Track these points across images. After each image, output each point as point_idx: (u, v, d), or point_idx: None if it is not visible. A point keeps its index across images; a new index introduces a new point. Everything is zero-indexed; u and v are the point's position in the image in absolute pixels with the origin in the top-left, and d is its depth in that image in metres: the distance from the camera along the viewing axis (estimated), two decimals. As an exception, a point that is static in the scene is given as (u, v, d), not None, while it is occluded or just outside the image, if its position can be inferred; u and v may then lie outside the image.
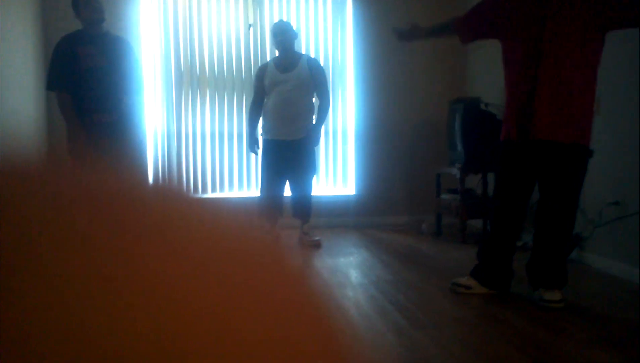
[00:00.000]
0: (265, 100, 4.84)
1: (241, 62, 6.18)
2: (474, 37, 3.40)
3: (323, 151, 6.25)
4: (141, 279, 0.21)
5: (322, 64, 6.31)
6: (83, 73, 3.81)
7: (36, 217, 0.22)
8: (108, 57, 3.89)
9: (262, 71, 4.87)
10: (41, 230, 0.21)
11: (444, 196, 5.48)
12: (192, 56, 6.13)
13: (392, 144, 6.30)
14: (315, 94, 4.87)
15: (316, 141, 4.84)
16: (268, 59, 5.50)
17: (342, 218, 6.19)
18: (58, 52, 3.87)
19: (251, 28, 6.15)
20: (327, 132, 6.26)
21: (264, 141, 4.84)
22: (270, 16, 6.17)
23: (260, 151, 4.91)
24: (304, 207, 4.88)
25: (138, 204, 0.26)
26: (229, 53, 6.16)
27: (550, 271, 3.15)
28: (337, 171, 6.34)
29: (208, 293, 0.22)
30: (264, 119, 4.85)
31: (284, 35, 4.73)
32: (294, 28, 4.84)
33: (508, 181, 3.26)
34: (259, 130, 4.94)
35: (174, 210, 0.27)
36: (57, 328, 0.18)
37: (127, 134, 3.97)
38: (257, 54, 6.16)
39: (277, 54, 4.91)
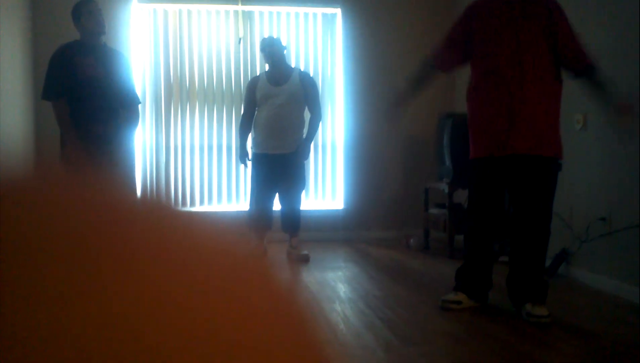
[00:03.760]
0: (256, 113, 4.83)
1: (231, 76, 6.19)
2: (450, 64, 3.43)
3: (312, 165, 6.25)
4: (130, 290, 0.20)
5: (313, 79, 6.34)
6: (81, 83, 3.77)
7: (27, 226, 0.22)
8: (106, 68, 3.87)
9: (253, 83, 4.85)
10: (33, 239, 0.21)
11: (432, 210, 5.49)
12: (182, 68, 6.13)
13: (380, 159, 6.32)
14: (306, 108, 4.87)
15: (306, 155, 4.84)
16: (258, 73, 5.51)
17: (330, 232, 6.19)
18: (55, 61, 3.81)
19: (241, 42, 6.16)
20: (316, 146, 6.27)
21: (254, 155, 4.82)
22: (261, 30, 6.19)
23: (250, 164, 4.90)
24: (293, 221, 4.87)
25: (127, 216, 0.25)
26: (218, 66, 6.17)
27: (533, 285, 3.18)
28: (326, 185, 6.34)
29: (193, 306, 0.21)
30: (254, 132, 4.83)
31: (271, 48, 4.73)
32: (283, 42, 4.84)
33: (482, 199, 3.32)
34: (249, 143, 4.93)
35: (161, 223, 0.26)
36: (49, 339, 0.18)
37: (121, 147, 3.95)
38: (247, 68, 6.18)
39: (266, 68, 4.92)
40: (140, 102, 4.14)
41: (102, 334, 0.19)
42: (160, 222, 0.26)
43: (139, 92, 5.94)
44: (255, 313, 0.23)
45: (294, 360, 0.23)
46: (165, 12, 6.09)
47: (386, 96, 3.53)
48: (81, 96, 3.76)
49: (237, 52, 6.19)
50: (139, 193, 0.28)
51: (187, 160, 6.13)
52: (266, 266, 0.28)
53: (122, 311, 0.20)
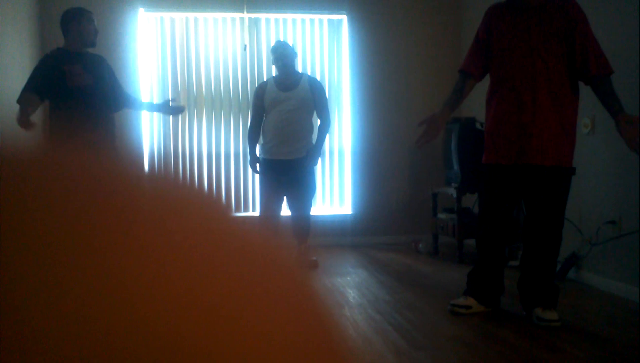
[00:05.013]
0: (264, 119, 4.82)
1: (238, 83, 6.21)
2: (481, 68, 3.40)
3: (320, 171, 6.25)
4: (144, 270, 0.21)
5: (322, 85, 6.36)
6: (70, 91, 3.76)
7: (35, 206, 0.22)
8: (94, 75, 3.87)
9: (261, 89, 4.82)
10: (41, 220, 0.21)
11: (440, 215, 5.48)
12: (189, 76, 6.16)
13: (388, 164, 6.31)
14: (315, 114, 4.86)
15: (316, 161, 4.82)
16: (265, 79, 5.51)
17: (339, 238, 6.18)
18: (43, 64, 3.82)
19: (247, 49, 6.18)
20: (323, 152, 6.27)
21: (263, 160, 4.80)
22: (267, 37, 6.21)
23: (259, 170, 4.88)
24: (302, 227, 4.86)
25: (137, 191, 0.25)
26: (225, 73, 6.19)
27: (543, 290, 3.17)
28: (334, 191, 6.34)
29: (205, 288, 0.21)
30: (263, 138, 4.81)
31: (285, 51, 4.71)
32: (293, 48, 4.84)
33: (494, 205, 3.32)
34: (258, 148, 4.92)
35: (175, 198, 0.26)
36: (59, 318, 0.18)
37: (115, 152, 3.97)
38: (254, 75, 6.19)
39: (273, 73, 4.90)
40: (138, 99, 4.16)
41: (116, 316, 0.19)
42: (175, 197, 0.26)
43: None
44: (273, 306, 0.23)
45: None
46: (172, 20, 6.12)
47: (423, 118, 3.40)
48: (72, 104, 3.76)
49: (243, 60, 6.21)
50: (147, 169, 0.28)
51: (195, 167, 6.15)
52: (283, 253, 0.28)
53: (137, 292, 0.20)
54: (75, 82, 3.77)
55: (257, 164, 4.84)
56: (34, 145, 0.26)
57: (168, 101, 4.32)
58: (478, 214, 3.45)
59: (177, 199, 0.26)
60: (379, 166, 6.31)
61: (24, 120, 3.62)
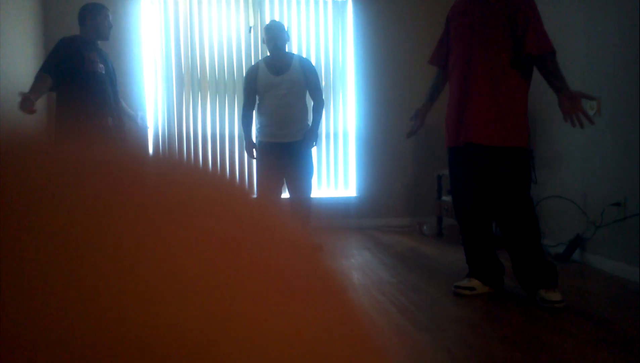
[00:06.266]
0: (258, 102, 4.76)
1: (242, 65, 6.19)
2: (445, 61, 3.55)
3: (324, 153, 6.25)
4: (154, 262, 0.21)
5: (322, 65, 6.31)
6: (88, 77, 3.93)
7: (41, 200, 0.22)
8: (105, 64, 4.10)
9: (253, 72, 4.73)
10: (47, 214, 0.21)
11: (445, 197, 5.48)
12: (193, 58, 6.14)
13: (393, 146, 6.31)
14: (308, 95, 4.81)
15: (313, 143, 4.79)
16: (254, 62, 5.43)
17: (343, 220, 6.19)
18: (64, 47, 3.95)
19: (252, 30, 6.15)
20: (328, 135, 6.26)
21: (260, 144, 4.74)
22: (272, 18, 6.17)
23: (256, 154, 4.84)
24: (302, 210, 4.84)
25: (148, 178, 0.25)
26: (229, 55, 6.17)
27: (539, 271, 3.18)
28: (338, 173, 6.34)
29: (220, 270, 0.22)
30: (259, 122, 4.76)
31: (279, 35, 4.65)
32: (287, 30, 4.78)
33: (459, 185, 3.44)
34: (253, 132, 4.87)
35: (185, 180, 0.26)
36: (65, 315, 0.18)
37: (123, 139, 4.03)
38: (258, 56, 6.17)
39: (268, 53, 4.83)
40: (120, 101, 4.36)
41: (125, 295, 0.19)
42: (185, 178, 0.26)
43: (151, 81, 5.99)
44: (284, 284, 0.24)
45: (315, 345, 0.24)
46: (176, 2, 6.08)
47: (410, 112, 3.71)
48: (88, 88, 3.93)
49: (247, 41, 6.18)
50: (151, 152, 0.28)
51: (200, 149, 6.15)
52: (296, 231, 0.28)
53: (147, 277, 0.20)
54: (93, 69, 3.96)
55: (254, 150, 4.80)
56: (39, 140, 0.26)
57: (139, 114, 4.56)
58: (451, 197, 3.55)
59: (193, 183, 0.26)
60: (383, 149, 6.30)
61: (28, 104, 3.64)
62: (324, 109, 4.91)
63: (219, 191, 0.27)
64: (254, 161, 5.17)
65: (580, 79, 3.73)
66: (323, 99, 4.85)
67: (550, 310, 3.08)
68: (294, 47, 6.18)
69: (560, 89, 3.09)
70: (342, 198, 6.28)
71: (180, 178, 0.26)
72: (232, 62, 6.17)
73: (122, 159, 0.26)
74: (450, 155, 3.47)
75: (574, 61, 3.30)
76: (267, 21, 6.13)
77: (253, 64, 5.08)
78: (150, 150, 0.28)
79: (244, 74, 4.93)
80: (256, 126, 4.79)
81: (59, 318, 0.18)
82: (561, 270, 4.02)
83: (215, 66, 6.16)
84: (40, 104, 3.97)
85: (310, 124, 4.78)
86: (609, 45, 3.74)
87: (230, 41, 6.16)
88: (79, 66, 3.90)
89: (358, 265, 4.33)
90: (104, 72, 4.04)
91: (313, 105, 4.81)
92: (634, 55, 3.72)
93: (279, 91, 4.62)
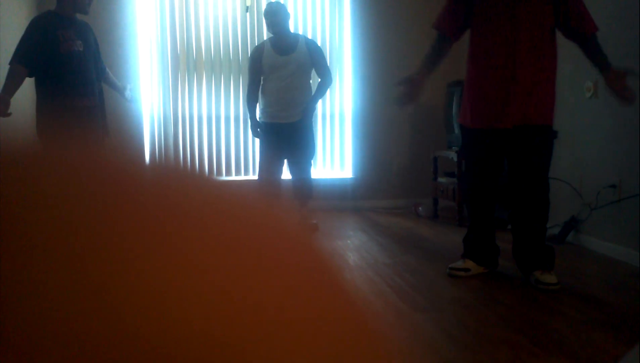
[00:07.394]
0: (262, 83, 4.78)
1: (238, 46, 6.15)
2: (456, 29, 3.38)
3: (320, 134, 6.24)
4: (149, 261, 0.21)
5: (319, 45, 6.27)
6: (64, 57, 3.65)
7: (37, 205, 0.21)
8: (83, 41, 3.77)
9: (258, 52, 4.75)
10: (44, 216, 0.21)
11: (441, 179, 5.48)
12: (189, 39, 6.09)
13: (389, 127, 6.29)
14: (315, 73, 4.81)
15: (311, 116, 4.80)
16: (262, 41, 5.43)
17: (339, 201, 6.20)
18: (35, 29, 3.65)
19: (248, 11, 6.10)
20: (324, 115, 6.25)
21: (264, 124, 4.77)
22: (268, 0, 6.12)
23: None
24: (304, 190, 4.85)
25: (140, 182, 0.25)
26: (225, 36, 6.12)
27: (539, 253, 3.20)
28: (335, 154, 6.34)
29: (209, 258, 0.21)
30: (263, 102, 4.77)
31: (276, 18, 4.64)
32: (287, 9, 4.75)
33: (481, 169, 3.34)
34: (257, 113, 4.89)
35: (181, 188, 0.26)
36: (63, 316, 0.18)
37: (104, 118, 3.95)
38: (254, 38, 6.13)
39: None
40: (109, 74, 4.14)
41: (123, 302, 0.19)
42: (180, 186, 0.26)
43: (146, 62, 5.95)
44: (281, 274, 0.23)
45: (312, 327, 0.23)
46: (171, -19, 6.02)
47: (399, 79, 3.45)
48: (64, 70, 3.66)
49: (244, 22, 6.13)
50: (147, 160, 0.28)
51: (195, 131, 6.13)
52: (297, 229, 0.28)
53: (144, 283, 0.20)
54: (69, 49, 3.66)
55: (259, 130, 4.82)
56: (28, 141, 0.26)
57: (128, 87, 4.26)
58: (464, 177, 3.49)
59: (172, 186, 0.26)
60: (379, 130, 6.29)
61: (3, 107, 3.45)
62: (329, 88, 4.91)
63: (211, 193, 0.27)
64: (255, 141, 5.16)
65: (576, 61, 3.71)
66: (331, 77, 4.85)
67: (545, 291, 3.09)
68: (290, 27, 6.14)
69: (607, 67, 3.05)
70: (338, 179, 6.28)
71: (174, 181, 0.26)
72: (228, 43, 6.13)
73: (114, 163, 0.26)
74: (477, 136, 3.30)
75: (568, 41, 3.29)
76: (264, 2, 6.09)
77: (258, 43, 5.07)
78: (144, 156, 0.28)
79: (249, 54, 4.91)
80: (260, 107, 4.80)
81: (59, 319, 0.18)
82: (556, 251, 4.04)
83: (211, 46, 6.12)
84: (19, 93, 3.67)
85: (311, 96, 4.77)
86: (604, 25, 3.71)
87: (227, 22, 6.11)
88: (55, 47, 3.60)
89: (354, 246, 4.34)
90: (82, 48, 3.72)
91: (320, 81, 4.80)
92: (631, 36, 3.70)
93: (284, 72, 4.61)
